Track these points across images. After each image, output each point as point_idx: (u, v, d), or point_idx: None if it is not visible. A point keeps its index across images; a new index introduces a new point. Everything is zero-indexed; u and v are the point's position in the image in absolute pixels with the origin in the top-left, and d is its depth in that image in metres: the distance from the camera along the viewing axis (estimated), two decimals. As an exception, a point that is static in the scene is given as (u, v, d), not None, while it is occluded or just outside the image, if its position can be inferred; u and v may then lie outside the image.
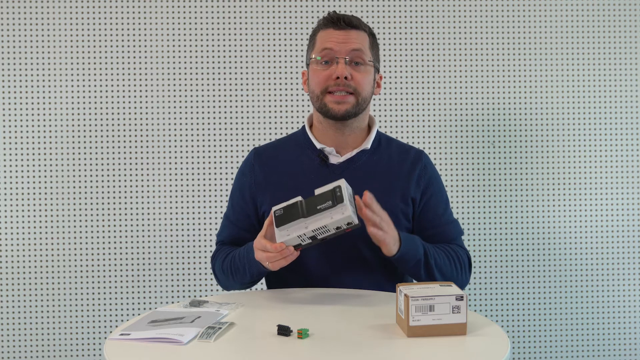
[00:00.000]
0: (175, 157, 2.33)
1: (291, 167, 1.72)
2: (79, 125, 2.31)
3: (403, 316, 1.32)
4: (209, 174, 2.34)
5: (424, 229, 1.72)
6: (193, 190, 2.33)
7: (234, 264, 1.67)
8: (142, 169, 2.32)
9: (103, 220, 2.32)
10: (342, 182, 1.47)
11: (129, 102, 2.32)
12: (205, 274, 2.34)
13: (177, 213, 2.33)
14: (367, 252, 1.66)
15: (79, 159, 2.31)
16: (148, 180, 2.33)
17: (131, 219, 2.32)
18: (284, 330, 1.32)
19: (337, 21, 1.66)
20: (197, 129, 2.33)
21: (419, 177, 1.72)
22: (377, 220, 1.51)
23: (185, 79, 2.33)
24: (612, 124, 2.41)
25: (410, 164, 1.73)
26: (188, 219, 2.33)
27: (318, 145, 1.71)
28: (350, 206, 1.43)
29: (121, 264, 2.32)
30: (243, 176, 1.77)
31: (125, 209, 2.32)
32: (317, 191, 1.49)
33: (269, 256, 1.49)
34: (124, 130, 2.32)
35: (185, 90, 2.33)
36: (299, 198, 1.49)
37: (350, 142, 1.72)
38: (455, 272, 1.69)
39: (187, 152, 2.33)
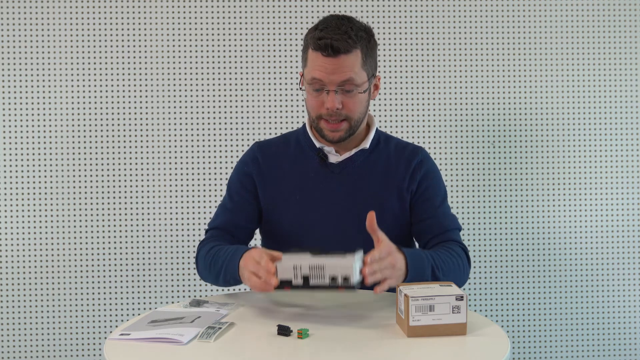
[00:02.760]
0: (175, 157, 2.33)
1: (291, 165, 1.73)
2: (79, 125, 2.31)
3: (403, 316, 1.32)
4: (209, 174, 2.34)
5: (420, 220, 1.72)
6: (193, 190, 2.33)
7: (215, 257, 1.62)
8: (142, 169, 2.32)
9: (103, 220, 2.31)
10: (360, 252, 1.41)
11: (129, 102, 2.32)
12: (205, 274, 2.34)
13: (177, 213, 2.33)
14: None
15: (79, 159, 2.31)
16: (148, 180, 2.32)
17: (131, 219, 2.32)
18: (284, 330, 1.32)
19: (324, 48, 1.58)
20: (197, 129, 2.33)
21: (415, 170, 1.72)
22: (378, 278, 1.44)
23: (185, 79, 2.33)
24: (612, 124, 2.41)
25: (406, 160, 1.73)
26: (188, 219, 2.33)
27: (317, 145, 1.71)
28: (357, 265, 1.37)
29: (121, 264, 2.32)
30: (245, 166, 1.76)
31: (125, 209, 2.32)
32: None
33: (255, 267, 1.44)
34: (124, 130, 2.32)
35: (185, 90, 2.33)
36: (317, 248, 1.43)
37: (349, 142, 1.72)
38: (459, 275, 1.67)
39: (187, 152, 2.33)
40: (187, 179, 2.33)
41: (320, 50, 1.59)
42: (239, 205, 1.74)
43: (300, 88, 1.72)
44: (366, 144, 1.72)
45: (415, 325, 1.30)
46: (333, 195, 1.69)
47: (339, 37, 1.58)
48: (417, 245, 1.78)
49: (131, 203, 2.32)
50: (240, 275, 1.50)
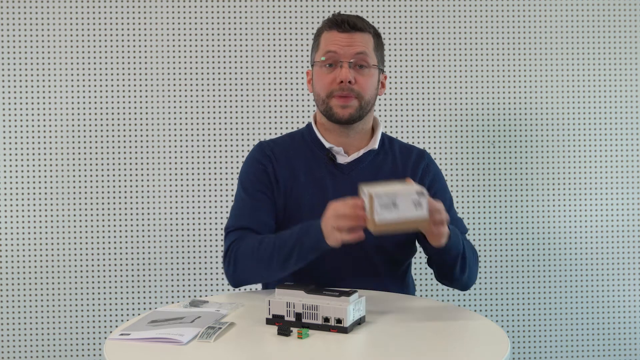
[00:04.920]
0: (175, 157, 2.33)
1: (301, 164, 1.71)
2: (79, 125, 2.31)
3: (369, 216, 1.35)
4: (209, 173, 2.34)
5: None
6: (193, 190, 2.33)
7: (277, 242, 1.56)
8: (142, 169, 2.32)
9: (103, 220, 2.32)
10: (356, 294, 1.39)
11: (129, 102, 2.32)
12: (205, 274, 2.34)
13: (177, 213, 2.33)
14: (377, 260, 1.66)
15: (79, 159, 2.31)
16: (148, 180, 2.33)
17: (131, 219, 2.32)
18: (284, 330, 1.32)
19: (341, 24, 1.65)
20: (197, 129, 2.33)
21: (423, 174, 1.73)
22: (445, 219, 1.47)
23: (185, 79, 2.33)
24: (612, 124, 2.41)
25: (413, 163, 1.74)
26: (188, 219, 2.33)
27: (327, 145, 1.71)
28: (350, 308, 1.34)
29: (121, 264, 2.32)
30: (259, 163, 1.71)
31: (125, 209, 2.32)
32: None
33: (343, 209, 1.41)
34: (124, 130, 2.32)
35: (185, 90, 2.33)
36: (312, 286, 1.43)
37: (355, 144, 1.72)
38: (474, 266, 1.69)
39: (187, 152, 2.33)
40: (187, 179, 2.33)
41: (337, 27, 1.66)
42: (263, 204, 1.68)
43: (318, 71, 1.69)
44: (375, 145, 1.72)
45: (380, 222, 1.34)
46: (342, 196, 1.68)
47: (354, 17, 1.68)
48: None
49: (131, 203, 2.32)
50: (325, 237, 1.46)
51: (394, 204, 1.34)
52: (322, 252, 1.50)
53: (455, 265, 1.62)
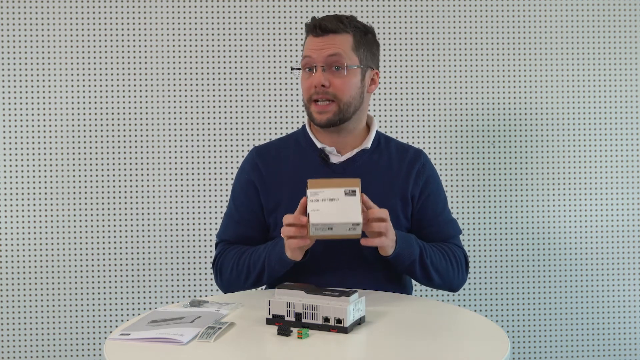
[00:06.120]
0: (175, 157, 2.33)
1: (293, 167, 1.72)
2: (79, 125, 2.31)
3: (307, 224, 1.44)
4: (209, 174, 2.34)
5: (422, 227, 1.72)
6: (193, 190, 2.33)
7: (252, 258, 1.65)
8: (142, 169, 2.32)
9: (103, 220, 2.32)
10: (356, 294, 1.41)
11: (129, 102, 2.32)
12: (205, 274, 2.34)
13: (177, 213, 2.33)
14: (368, 252, 1.66)
15: (79, 159, 2.31)
16: (148, 180, 2.33)
17: (131, 219, 2.32)
18: (284, 330, 1.32)
19: (313, 29, 1.66)
20: (197, 129, 2.33)
21: (418, 175, 1.73)
22: (384, 229, 1.51)
23: (185, 79, 2.33)
24: (612, 124, 2.41)
25: (408, 163, 1.73)
26: (188, 219, 2.33)
27: (319, 145, 1.71)
28: (351, 308, 1.36)
29: (121, 264, 2.32)
30: (246, 174, 1.76)
31: (125, 209, 2.32)
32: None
33: (288, 229, 1.49)
34: (124, 130, 2.32)
35: (185, 90, 2.33)
36: (312, 286, 1.46)
37: (349, 143, 1.72)
38: (451, 271, 1.69)
39: (187, 152, 2.33)
40: (187, 179, 2.33)
41: (311, 32, 1.67)
42: (246, 216, 1.74)
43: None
44: (367, 144, 1.72)
45: (314, 236, 1.45)
46: None
47: (329, 19, 1.67)
48: None
49: (131, 203, 2.32)
50: (285, 250, 1.54)
51: (330, 228, 1.43)
52: (289, 265, 1.58)
53: (414, 272, 1.64)
